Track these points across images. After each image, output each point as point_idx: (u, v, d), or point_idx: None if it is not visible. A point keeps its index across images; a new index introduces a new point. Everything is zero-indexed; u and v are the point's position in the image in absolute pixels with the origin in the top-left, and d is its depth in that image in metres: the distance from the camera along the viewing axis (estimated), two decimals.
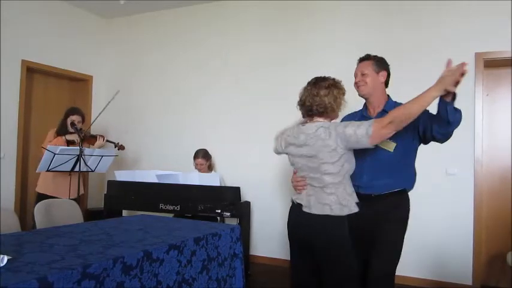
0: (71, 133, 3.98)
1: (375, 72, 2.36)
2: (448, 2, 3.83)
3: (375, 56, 2.41)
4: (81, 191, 4.06)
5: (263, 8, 4.70)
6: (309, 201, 2.05)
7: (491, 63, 3.76)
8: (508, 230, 3.73)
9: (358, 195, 2.11)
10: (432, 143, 3.80)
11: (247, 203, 4.25)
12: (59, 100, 5.20)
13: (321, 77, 2.13)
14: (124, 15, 5.59)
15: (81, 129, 3.96)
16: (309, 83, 2.14)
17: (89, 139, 4.13)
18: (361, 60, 2.43)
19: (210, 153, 4.52)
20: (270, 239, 4.49)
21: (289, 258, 4.57)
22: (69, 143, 3.95)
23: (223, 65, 4.89)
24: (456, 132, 3.82)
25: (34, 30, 4.77)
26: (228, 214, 3.80)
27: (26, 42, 4.67)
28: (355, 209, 2.01)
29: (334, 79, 2.12)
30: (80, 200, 3.81)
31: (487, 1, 3.68)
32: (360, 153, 2.13)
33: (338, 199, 1.99)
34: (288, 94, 4.53)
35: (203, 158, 4.42)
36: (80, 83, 5.49)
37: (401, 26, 4.01)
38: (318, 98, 2.04)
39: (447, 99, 1.96)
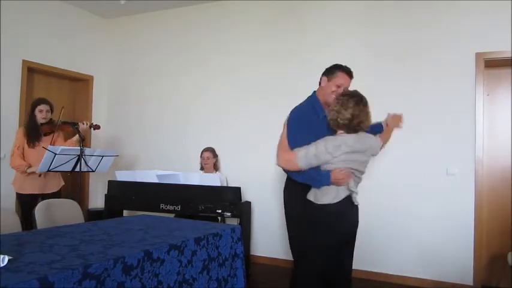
0: (44, 132, 3.85)
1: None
2: (448, 2, 3.82)
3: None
4: (62, 183, 4.02)
5: (263, 8, 4.70)
6: (356, 195, 2.31)
7: (492, 63, 3.76)
8: (509, 230, 3.72)
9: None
10: (432, 142, 3.82)
11: (248, 203, 4.25)
12: (59, 100, 5.18)
13: (360, 94, 2.30)
14: (124, 15, 5.59)
15: (50, 119, 3.89)
16: (356, 101, 2.25)
17: (64, 126, 3.96)
18: (351, 76, 2.60)
19: None
20: (270, 239, 4.48)
21: (290, 258, 4.56)
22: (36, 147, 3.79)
23: (224, 64, 4.89)
24: (457, 132, 3.84)
25: (35, 31, 4.77)
26: (229, 214, 3.81)
27: (26, 43, 4.68)
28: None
29: (363, 96, 2.32)
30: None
31: (487, 1, 3.67)
32: None
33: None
34: (289, 94, 4.54)
35: (211, 152, 4.47)
36: (81, 83, 5.49)
37: (401, 25, 4.00)
38: (370, 117, 2.30)
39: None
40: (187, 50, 5.14)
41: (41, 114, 3.84)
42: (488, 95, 3.85)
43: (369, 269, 3.95)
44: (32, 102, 3.97)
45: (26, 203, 3.72)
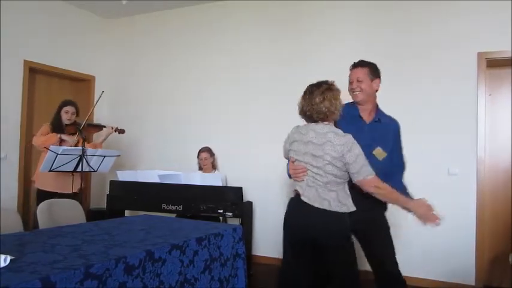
0: (69, 132, 3.94)
1: (369, 80, 2.40)
2: (450, 2, 3.82)
3: (370, 63, 2.44)
4: (82, 185, 4.02)
5: (263, 7, 4.70)
6: (309, 193, 2.11)
7: (494, 63, 3.75)
8: (511, 230, 3.72)
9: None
10: (434, 142, 3.81)
11: (250, 203, 4.25)
12: (61, 100, 5.20)
13: (315, 84, 2.19)
14: (126, 16, 5.59)
15: (75, 121, 3.97)
16: (305, 92, 2.21)
17: (90, 128, 4.10)
18: (356, 66, 2.46)
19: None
20: (272, 239, 4.47)
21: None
22: (62, 142, 3.88)
23: (224, 64, 4.89)
24: (459, 132, 3.83)
25: (36, 31, 4.78)
26: (230, 214, 3.81)
27: (28, 43, 4.69)
28: (353, 208, 2.10)
29: (327, 83, 2.17)
30: (81, 194, 3.80)
31: (489, 1, 3.67)
32: None
33: (337, 197, 2.08)
34: (290, 94, 4.53)
35: (208, 152, 4.47)
36: (82, 83, 5.50)
37: (403, 26, 4.00)
38: (316, 106, 2.12)
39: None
40: (188, 50, 5.15)
41: (67, 115, 3.95)
42: (490, 94, 3.84)
43: (370, 269, 3.94)
44: (59, 103, 4.09)
45: (44, 200, 3.74)
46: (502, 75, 3.85)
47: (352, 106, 2.46)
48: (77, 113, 4.07)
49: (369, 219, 2.31)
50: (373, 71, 2.42)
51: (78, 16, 5.29)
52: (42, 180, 3.88)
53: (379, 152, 2.34)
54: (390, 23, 4.05)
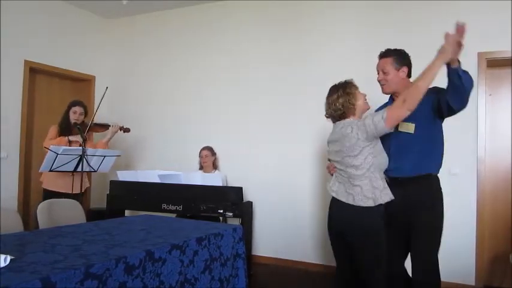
0: (75, 133, 3.96)
1: (395, 69, 2.36)
2: (450, 2, 3.82)
3: (395, 51, 2.39)
4: (87, 184, 4.11)
5: (263, 7, 4.70)
6: (338, 188, 2.22)
7: (494, 63, 3.75)
8: (511, 230, 3.71)
9: (388, 179, 2.22)
10: None
11: (250, 203, 4.25)
12: (61, 100, 5.19)
13: (333, 86, 2.27)
14: (126, 16, 5.59)
15: (83, 121, 4.00)
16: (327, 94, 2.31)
17: (96, 128, 4.14)
18: (381, 56, 2.42)
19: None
20: (272, 239, 4.48)
21: (291, 258, 4.57)
22: (71, 143, 3.94)
23: (224, 64, 4.89)
24: (459, 132, 3.83)
25: (37, 31, 4.79)
26: (231, 214, 3.81)
27: (28, 43, 4.69)
28: (381, 201, 2.10)
29: (344, 81, 2.24)
30: (85, 195, 3.81)
31: (489, 1, 3.67)
32: (385, 139, 2.22)
33: (362, 191, 2.10)
34: (290, 94, 4.55)
35: (209, 150, 4.50)
36: (83, 83, 5.50)
37: (403, 25, 4.00)
38: (332, 105, 2.21)
39: (454, 65, 2.02)
40: (188, 50, 5.15)
41: (75, 116, 3.98)
42: (490, 94, 3.84)
43: None
44: (68, 103, 4.11)
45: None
46: (502, 75, 3.85)
47: (390, 99, 2.48)
48: (86, 113, 4.11)
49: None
50: (399, 59, 2.36)
51: (78, 16, 5.29)
52: (49, 181, 3.90)
53: (407, 126, 2.29)
54: (390, 23, 4.05)
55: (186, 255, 2.01)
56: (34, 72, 4.84)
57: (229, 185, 4.34)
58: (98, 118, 5.46)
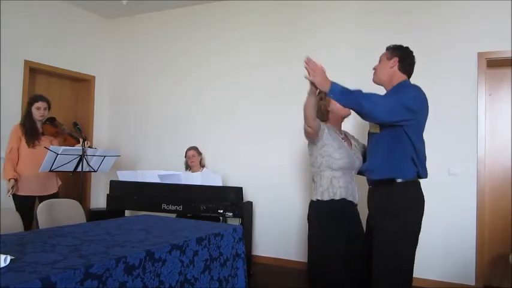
0: (49, 133, 3.75)
1: (387, 59, 2.37)
2: (450, 2, 3.82)
3: (394, 45, 2.43)
4: (59, 182, 3.92)
5: (263, 7, 4.70)
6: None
7: (494, 63, 3.75)
8: (511, 230, 3.72)
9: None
10: (434, 142, 3.80)
11: (250, 203, 4.25)
12: (61, 100, 5.22)
13: None
14: (126, 16, 5.59)
15: (58, 123, 3.79)
16: None
17: (68, 137, 3.86)
18: (386, 49, 2.46)
19: (209, 152, 4.67)
20: (272, 239, 4.48)
21: (291, 258, 4.57)
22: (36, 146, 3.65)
23: (224, 65, 4.89)
24: (459, 132, 3.83)
25: (36, 31, 4.78)
26: (231, 214, 3.81)
27: (28, 43, 4.69)
28: (328, 197, 2.34)
29: None
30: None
31: (489, 1, 3.66)
32: (367, 140, 2.41)
33: (315, 186, 2.43)
34: (290, 94, 4.55)
35: (195, 150, 4.54)
36: (82, 83, 5.50)
37: (403, 25, 3.99)
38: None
39: (325, 91, 2.24)
40: (188, 50, 5.15)
41: (38, 112, 3.67)
42: (490, 94, 3.84)
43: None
44: (28, 98, 3.79)
45: (24, 205, 3.57)
46: (502, 75, 3.85)
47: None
48: (49, 108, 3.75)
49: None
50: (391, 50, 2.37)
51: (78, 16, 5.29)
52: (17, 185, 3.62)
53: (374, 127, 2.31)
54: (390, 23, 4.05)
55: (186, 255, 2.01)
56: (34, 72, 4.84)
57: (229, 185, 4.34)
58: (98, 117, 5.48)
